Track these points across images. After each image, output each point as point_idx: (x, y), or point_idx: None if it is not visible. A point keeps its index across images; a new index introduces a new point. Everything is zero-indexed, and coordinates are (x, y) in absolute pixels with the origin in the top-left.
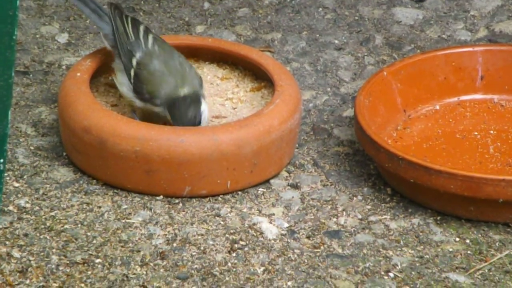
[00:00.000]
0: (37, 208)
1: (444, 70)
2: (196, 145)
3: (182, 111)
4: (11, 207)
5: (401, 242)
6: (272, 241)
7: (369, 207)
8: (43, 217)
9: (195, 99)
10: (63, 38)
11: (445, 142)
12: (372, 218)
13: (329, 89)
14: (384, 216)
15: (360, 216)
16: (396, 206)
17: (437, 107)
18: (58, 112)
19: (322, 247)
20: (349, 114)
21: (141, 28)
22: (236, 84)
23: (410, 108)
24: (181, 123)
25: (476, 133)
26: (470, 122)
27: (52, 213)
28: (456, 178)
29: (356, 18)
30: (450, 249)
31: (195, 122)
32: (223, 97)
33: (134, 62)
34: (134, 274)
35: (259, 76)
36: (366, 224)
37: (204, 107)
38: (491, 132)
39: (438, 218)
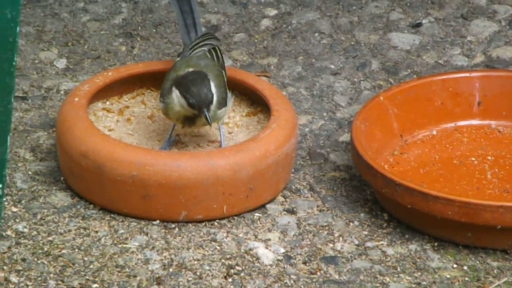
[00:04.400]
0: (35, 233)
1: (441, 96)
2: (192, 170)
3: (188, 85)
4: (9, 232)
5: (398, 269)
6: (268, 267)
7: (366, 232)
8: (41, 242)
9: (202, 74)
10: (61, 63)
11: (442, 167)
12: (369, 244)
13: (325, 114)
14: (381, 242)
15: (357, 242)
16: (393, 232)
17: (434, 132)
18: (56, 137)
19: (318, 273)
20: (345, 139)
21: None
22: (232, 109)
23: (406, 133)
24: (194, 99)
25: (473, 158)
26: (467, 147)
27: (50, 238)
28: (453, 204)
29: (352, 43)
30: (448, 276)
31: (207, 95)
32: (219, 122)
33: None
34: None
35: (255, 101)
36: (363, 250)
37: (214, 87)
38: (489, 158)
39: (436, 244)
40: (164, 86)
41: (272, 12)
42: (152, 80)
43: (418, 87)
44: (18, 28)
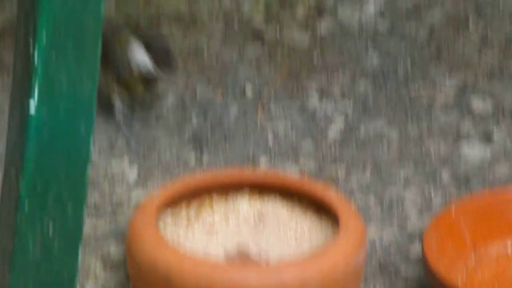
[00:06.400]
0: None
1: None
2: (260, 283)
3: None
4: None
5: None
6: None
7: None
8: None
9: None
10: (133, 173)
11: None
12: None
13: (395, 225)
14: None
15: None
16: None
17: (509, 246)
18: (126, 248)
19: None
20: (416, 251)
21: None
22: (299, 217)
23: (479, 245)
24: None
25: None
26: None
27: None
28: None
29: (422, 153)
30: None
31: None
32: (286, 231)
33: None
34: None
35: (323, 210)
36: None
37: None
38: None
39: None
40: None
41: (340, 120)
42: (219, 189)
43: (491, 199)
44: (91, 141)
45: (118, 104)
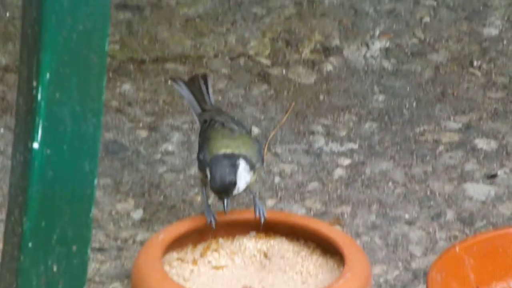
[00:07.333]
0: None
1: None
2: None
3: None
4: None
5: None
6: None
7: None
8: None
9: (234, 159)
10: (137, 214)
11: None
12: None
13: (400, 264)
14: None
15: None
16: None
17: None
18: None
19: None
20: None
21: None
22: (305, 257)
23: (483, 285)
24: (214, 183)
25: None
26: None
27: None
28: None
29: (427, 193)
30: None
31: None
32: (292, 271)
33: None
34: None
35: (329, 250)
36: None
37: (242, 171)
38: None
39: None
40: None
41: (346, 161)
42: (225, 229)
43: (495, 239)
44: (95, 181)
45: (204, 196)
